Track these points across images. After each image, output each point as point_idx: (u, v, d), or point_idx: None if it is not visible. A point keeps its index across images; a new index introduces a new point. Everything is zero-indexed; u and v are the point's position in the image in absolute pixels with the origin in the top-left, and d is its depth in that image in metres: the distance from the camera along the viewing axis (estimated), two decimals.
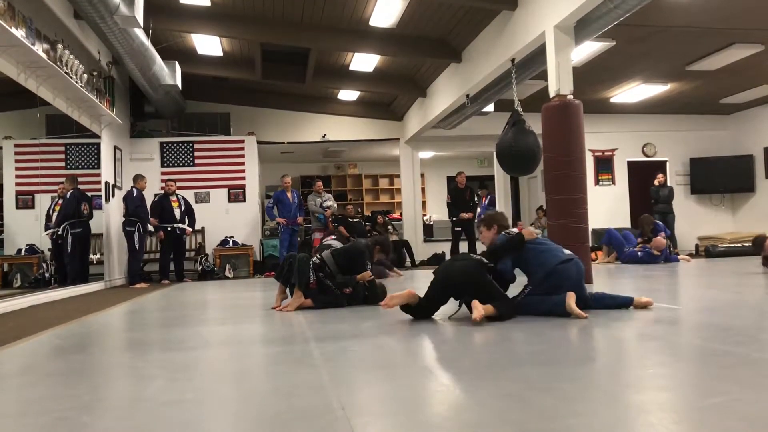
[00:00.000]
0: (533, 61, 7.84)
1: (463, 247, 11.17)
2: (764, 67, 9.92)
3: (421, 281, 7.97)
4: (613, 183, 13.33)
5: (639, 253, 9.75)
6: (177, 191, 10.33)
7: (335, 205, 11.67)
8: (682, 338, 3.16)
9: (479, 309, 3.57)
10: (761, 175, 12.86)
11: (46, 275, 7.97)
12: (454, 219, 11.30)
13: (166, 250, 10.12)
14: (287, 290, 5.05)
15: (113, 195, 9.79)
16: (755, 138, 12.95)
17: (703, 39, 8.67)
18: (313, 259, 5.05)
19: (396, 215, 15.16)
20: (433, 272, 4.13)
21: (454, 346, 3.11)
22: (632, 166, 13.49)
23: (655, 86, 11.16)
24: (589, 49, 8.72)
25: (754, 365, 2.39)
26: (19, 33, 5.73)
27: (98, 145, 9.27)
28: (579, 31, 6.78)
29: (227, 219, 11.76)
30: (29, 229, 8.06)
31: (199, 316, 5.11)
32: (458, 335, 3.37)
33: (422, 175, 14.85)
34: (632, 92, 11.54)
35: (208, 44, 10.11)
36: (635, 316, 3.77)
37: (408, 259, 11.91)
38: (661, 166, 13.30)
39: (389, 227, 12.81)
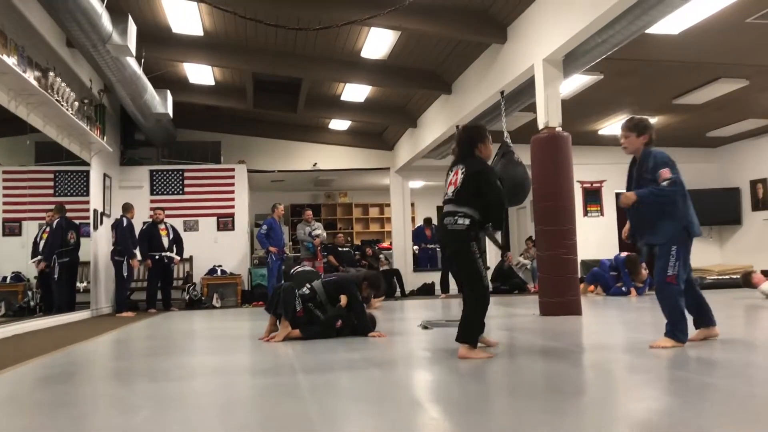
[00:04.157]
0: (522, 94, 7.93)
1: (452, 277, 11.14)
2: (749, 101, 10.07)
3: (409, 311, 7.94)
4: (602, 214, 13.39)
5: (623, 288, 9.92)
6: (165, 219, 10.28)
7: (324, 234, 11.65)
8: (671, 371, 3.16)
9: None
10: (748, 207, 12.97)
11: (32, 303, 7.88)
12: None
13: (154, 279, 10.04)
14: (277, 322, 5.01)
15: (101, 223, 9.73)
16: (742, 171, 13.08)
17: (690, 73, 8.80)
18: (303, 290, 5.02)
19: (386, 244, 15.15)
20: None
21: (443, 379, 3.09)
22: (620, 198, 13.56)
23: None
24: (577, 82, 8.84)
25: (743, 400, 2.39)
26: (11, 60, 5.75)
27: (87, 172, 9.23)
28: (567, 65, 6.89)
29: (216, 248, 11.69)
30: (15, 257, 7.98)
31: (186, 346, 5.06)
32: (448, 367, 3.35)
33: (412, 205, 14.88)
34: (620, 125, 11.62)
35: (200, 73, 10.16)
36: (624, 349, 3.77)
37: (398, 289, 11.88)
38: None
39: (380, 256, 12.78)
